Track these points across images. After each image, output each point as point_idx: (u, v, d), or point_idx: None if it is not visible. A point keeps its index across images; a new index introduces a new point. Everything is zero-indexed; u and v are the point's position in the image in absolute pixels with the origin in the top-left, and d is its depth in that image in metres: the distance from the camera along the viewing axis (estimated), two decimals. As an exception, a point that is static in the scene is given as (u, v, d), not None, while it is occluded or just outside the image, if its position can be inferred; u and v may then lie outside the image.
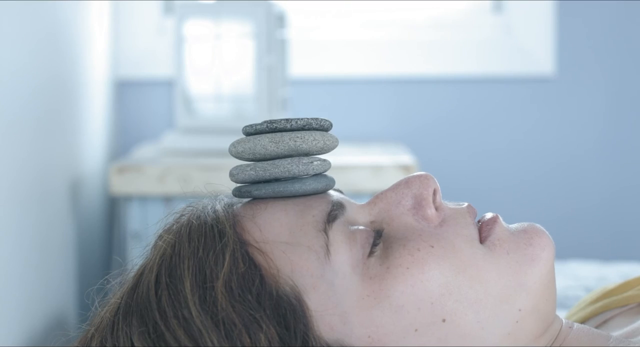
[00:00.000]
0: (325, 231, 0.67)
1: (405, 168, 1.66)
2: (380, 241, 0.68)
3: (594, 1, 2.12)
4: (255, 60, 1.75)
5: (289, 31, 1.93)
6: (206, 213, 0.70)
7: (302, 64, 2.08)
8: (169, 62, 1.99)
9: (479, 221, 0.71)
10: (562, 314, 0.87)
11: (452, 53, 2.13)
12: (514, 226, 0.71)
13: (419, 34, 2.12)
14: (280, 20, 1.82)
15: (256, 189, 0.71)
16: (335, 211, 0.69)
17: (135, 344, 0.65)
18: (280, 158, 0.71)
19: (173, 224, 0.71)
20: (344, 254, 0.67)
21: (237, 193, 0.72)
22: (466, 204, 0.72)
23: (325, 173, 0.72)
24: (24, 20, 1.39)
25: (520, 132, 2.15)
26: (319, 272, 0.66)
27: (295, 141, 0.70)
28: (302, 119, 0.71)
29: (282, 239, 0.67)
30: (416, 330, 0.66)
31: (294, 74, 2.02)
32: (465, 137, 2.15)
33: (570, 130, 2.15)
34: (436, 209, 0.70)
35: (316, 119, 0.72)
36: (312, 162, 0.70)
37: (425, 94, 2.15)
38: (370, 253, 0.67)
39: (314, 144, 0.70)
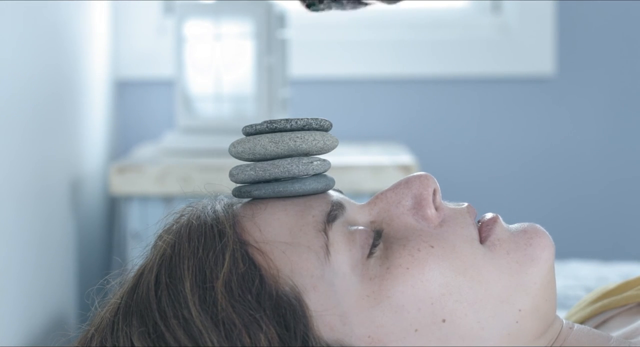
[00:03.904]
0: (325, 231, 0.67)
1: (405, 168, 1.66)
2: (380, 242, 0.68)
3: (594, 1, 2.12)
4: (255, 60, 1.75)
5: (289, 31, 1.93)
6: (206, 213, 0.70)
7: (302, 64, 2.08)
8: (169, 62, 1.99)
9: (479, 221, 0.71)
10: (562, 314, 0.87)
11: (452, 53, 2.13)
12: (514, 226, 0.71)
13: (418, 34, 2.12)
14: (280, 20, 1.82)
15: (256, 189, 0.71)
16: (335, 211, 0.69)
17: (135, 344, 0.65)
18: (280, 158, 0.71)
19: (173, 224, 0.71)
20: (344, 255, 0.67)
21: (237, 193, 0.72)
22: (466, 204, 0.72)
23: (325, 173, 0.72)
24: (25, 20, 1.39)
25: (520, 132, 2.15)
26: (319, 273, 0.66)
27: (295, 141, 0.70)
28: (302, 119, 0.71)
29: (282, 239, 0.67)
30: (416, 330, 0.66)
31: (294, 74, 2.02)
32: (465, 137, 2.15)
33: (570, 130, 2.15)
34: (436, 209, 0.70)
35: (316, 119, 0.72)
36: (312, 162, 0.70)
37: (425, 94, 2.15)
38: (370, 254, 0.67)
39: (313, 144, 0.70)
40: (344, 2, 0.70)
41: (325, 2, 0.70)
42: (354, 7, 0.70)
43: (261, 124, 0.71)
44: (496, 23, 2.14)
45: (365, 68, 2.14)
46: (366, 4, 0.70)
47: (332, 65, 2.14)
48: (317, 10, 0.70)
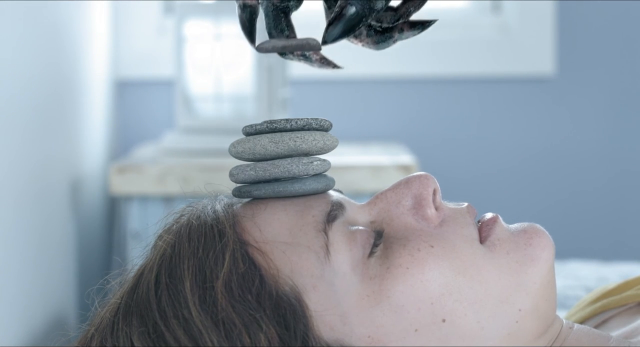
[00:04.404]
0: (325, 231, 0.67)
1: (405, 168, 1.66)
2: (380, 242, 0.68)
3: (594, 1, 2.12)
4: (255, 60, 1.75)
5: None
6: (206, 213, 0.70)
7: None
8: (169, 62, 1.99)
9: (478, 221, 0.71)
10: (561, 314, 0.87)
11: (452, 53, 2.13)
12: (513, 226, 0.71)
13: (418, 34, 2.12)
14: (280, 20, 1.81)
15: (256, 189, 0.71)
16: (334, 211, 0.69)
17: (135, 344, 0.65)
18: (280, 158, 0.71)
19: (173, 224, 0.71)
20: (344, 254, 0.67)
21: (237, 193, 0.72)
22: (466, 204, 0.72)
23: (325, 173, 0.72)
24: (25, 20, 1.39)
25: (520, 132, 2.15)
26: (319, 273, 0.66)
27: (295, 141, 0.70)
28: (302, 119, 0.71)
29: (282, 239, 0.67)
30: (416, 330, 0.66)
31: (294, 74, 2.02)
32: (465, 137, 2.15)
33: (570, 130, 2.15)
34: (436, 209, 0.70)
35: (316, 119, 0.72)
36: (311, 162, 0.70)
37: (425, 94, 2.15)
38: (371, 253, 0.67)
39: (313, 144, 0.70)
40: (313, 60, 0.71)
41: (295, 54, 0.71)
42: (321, 67, 0.71)
43: (261, 124, 0.71)
44: (496, 23, 2.14)
45: (365, 68, 2.14)
46: (335, 67, 0.71)
47: (332, 65, 2.13)
48: (287, 59, 0.71)
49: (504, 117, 2.15)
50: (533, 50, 2.12)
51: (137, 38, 2.11)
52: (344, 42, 0.70)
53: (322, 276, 0.66)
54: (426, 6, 0.73)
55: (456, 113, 2.15)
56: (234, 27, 1.75)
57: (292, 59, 0.71)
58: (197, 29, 1.76)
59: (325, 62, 0.70)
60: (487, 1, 2.16)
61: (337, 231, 0.67)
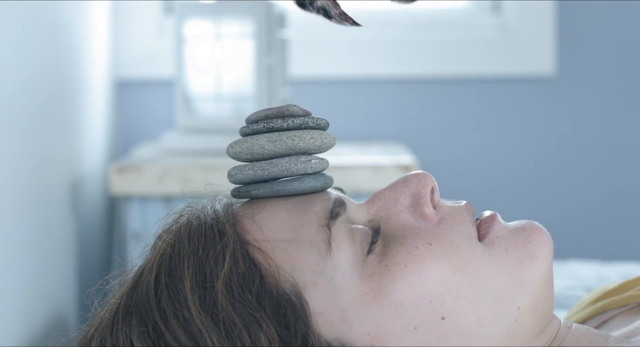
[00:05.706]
0: (328, 227, 0.67)
1: (405, 168, 1.66)
2: (378, 239, 0.68)
3: (594, 1, 2.12)
4: (255, 60, 1.75)
5: (289, 31, 1.93)
6: (206, 213, 0.70)
7: (302, 64, 2.08)
8: (169, 62, 1.99)
9: (477, 219, 0.71)
10: (562, 314, 0.87)
11: (452, 53, 2.13)
12: (512, 223, 0.71)
13: (418, 34, 2.12)
14: (280, 20, 1.82)
15: (255, 189, 0.71)
16: (337, 208, 0.69)
17: (135, 344, 0.65)
18: (278, 157, 0.71)
19: (172, 224, 0.71)
20: (345, 250, 0.66)
21: (236, 193, 0.72)
22: (464, 202, 0.72)
23: (323, 172, 0.72)
24: (25, 20, 1.39)
25: (520, 132, 2.15)
26: (320, 268, 0.66)
27: (293, 140, 0.70)
28: (298, 117, 0.71)
29: (283, 237, 0.67)
30: (415, 328, 0.66)
31: (294, 74, 2.02)
32: (465, 137, 2.15)
33: (570, 130, 2.15)
34: (434, 207, 0.70)
35: (313, 117, 0.72)
36: (310, 161, 0.70)
37: (425, 94, 2.15)
38: (369, 251, 0.67)
39: (311, 142, 0.70)
40: (332, 14, 0.70)
41: (314, 8, 0.70)
42: (340, 23, 0.70)
43: (258, 124, 0.71)
44: (496, 23, 2.14)
45: (365, 68, 2.14)
46: (354, 23, 0.70)
47: (332, 65, 2.14)
48: (306, 10, 0.70)
49: (503, 117, 2.15)
50: (533, 50, 2.12)
51: (137, 38, 2.11)
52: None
53: (323, 271, 0.66)
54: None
55: (456, 113, 2.15)
56: (234, 27, 1.75)
57: (311, 11, 0.70)
58: (197, 29, 1.76)
59: (344, 17, 0.69)
60: (487, 1, 2.16)
61: (339, 227, 0.67)
